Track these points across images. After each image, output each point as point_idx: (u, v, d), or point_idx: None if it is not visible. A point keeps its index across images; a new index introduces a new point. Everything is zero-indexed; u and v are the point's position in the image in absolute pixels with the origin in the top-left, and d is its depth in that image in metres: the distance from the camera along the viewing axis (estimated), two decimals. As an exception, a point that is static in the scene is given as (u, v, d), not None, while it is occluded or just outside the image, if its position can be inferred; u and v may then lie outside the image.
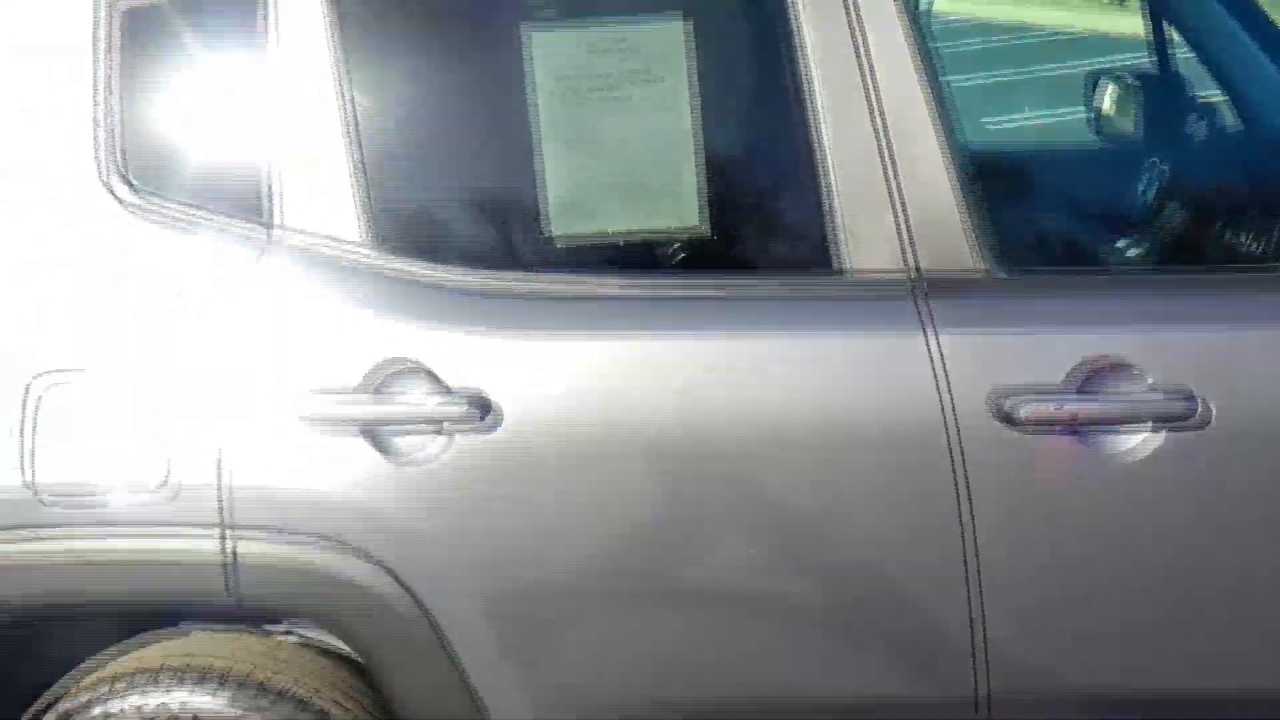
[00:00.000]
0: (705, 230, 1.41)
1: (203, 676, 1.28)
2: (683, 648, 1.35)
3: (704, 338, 1.35)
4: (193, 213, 1.32)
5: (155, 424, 1.27)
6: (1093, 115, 2.22)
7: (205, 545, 1.26)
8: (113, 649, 1.37)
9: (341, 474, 1.27)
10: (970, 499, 1.30)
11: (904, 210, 1.34)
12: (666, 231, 1.43)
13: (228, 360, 1.28)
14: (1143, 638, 1.39)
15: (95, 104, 1.30)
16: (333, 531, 1.26)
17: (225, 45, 1.39)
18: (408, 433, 1.28)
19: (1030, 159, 2.40)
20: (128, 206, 1.31)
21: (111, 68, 1.31)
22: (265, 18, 1.33)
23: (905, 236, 1.35)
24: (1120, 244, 1.97)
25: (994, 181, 1.61)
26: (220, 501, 1.26)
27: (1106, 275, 1.79)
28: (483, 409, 1.26)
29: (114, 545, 1.27)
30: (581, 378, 1.33)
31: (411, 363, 1.29)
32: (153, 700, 1.27)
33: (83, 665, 1.37)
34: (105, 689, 1.29)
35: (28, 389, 1.25)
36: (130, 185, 1.31)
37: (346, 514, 1.27)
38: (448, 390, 1.28)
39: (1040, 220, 1.92)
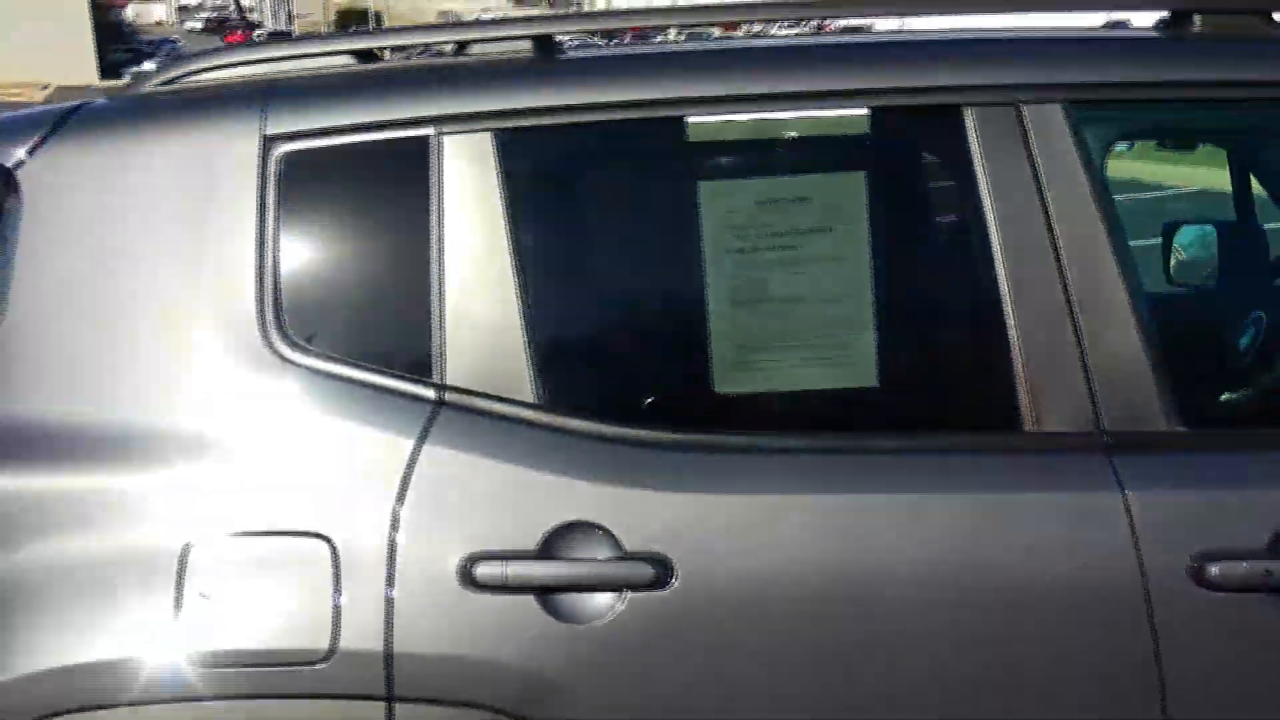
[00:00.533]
0: (880, 387, 1.37)
1: None
2: None
3: (884, 495, 1.31)
4: (357, 371, 1.34)
5: (322, 591, 1.27)
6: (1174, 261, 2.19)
7: (371, 715, 1.27)
8: None
9: (512, 639, 1.27)
10: (1165, 663, 1.25)
11: (1091, 368, 1.30)
12: (841, 387, 1.39)
13: (398, 523, 1.29)
14: None
15: (258, 258, 1.33)
16: (497, 698, 1.27)
17: (390, 198, 1.42)
18: (583, 594, 1.28)
19: (1203, 314, 2.24)
20: (290, 364, 1.33)
21: (272, 220, 1.34)
22: (433, 173, 1.34)
23: (1092, 394, 1.30)
24: None
25: (1178, 337, 1.56)
26: (387, 671, 1.26)
27: None
28: (663, 569, 1.25)
29: (276, 715, 1.28)
30: (761, 535, 1.30)
31: (588, 523, 1.28)
32: None
33: None
34: None
35: (187, 551, 1.27)
36: (294, 343, 1.33)
37: (517, 681, 1.27)
38: (625, 550, 1.27)
39: (1226, 375, 1.80)
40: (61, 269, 1.39)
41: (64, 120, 1.44)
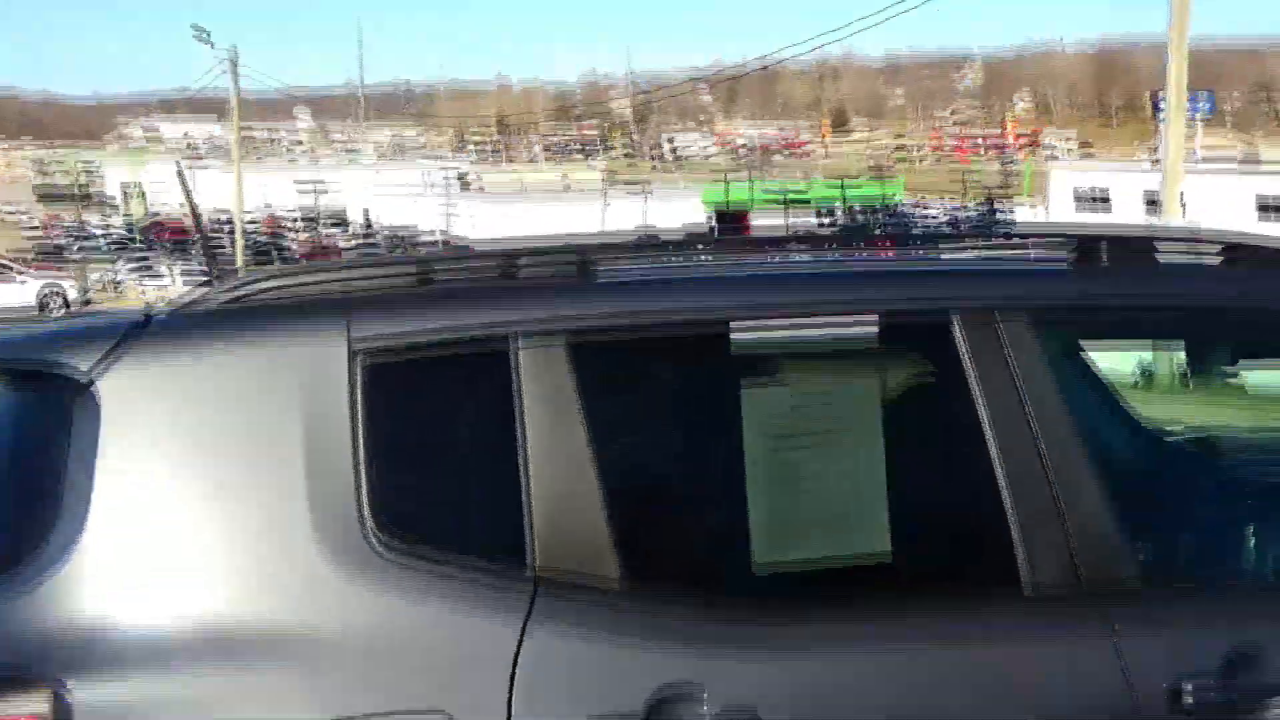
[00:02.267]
0: (891, 556, 1.58)
1: None
2: None
3: (901, 654, 1.52)
4: (454, 560, 1.45)
5: None
6: None
7: None
8: None
9: None
10: None
11: (1070, 527, 1.57)
12: (859, 559, 1.60)
13: (512, 699, 1.38)
14: None
15: (355, 461, 1.43)
16: None
17: (472, 396, 1.57)
18: None
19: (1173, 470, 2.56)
20: (389, 559, 1.42)
21: (364, 424, 1.45)
22: (511, 374, 1.50)
23: (1071, 550, 1.57)
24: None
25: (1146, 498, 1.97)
26: None
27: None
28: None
29: None
30: (821, 692, 1.48)
31: (681, 684, 1.41)
32: None
33: None
34: None
35: None
36: (390, 537, 1.42)
37: None
38: (717, 710, 1.40)
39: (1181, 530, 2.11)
40: (144, 476, 1.42)
41: (136, 332, 1.49)
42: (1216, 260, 1.89)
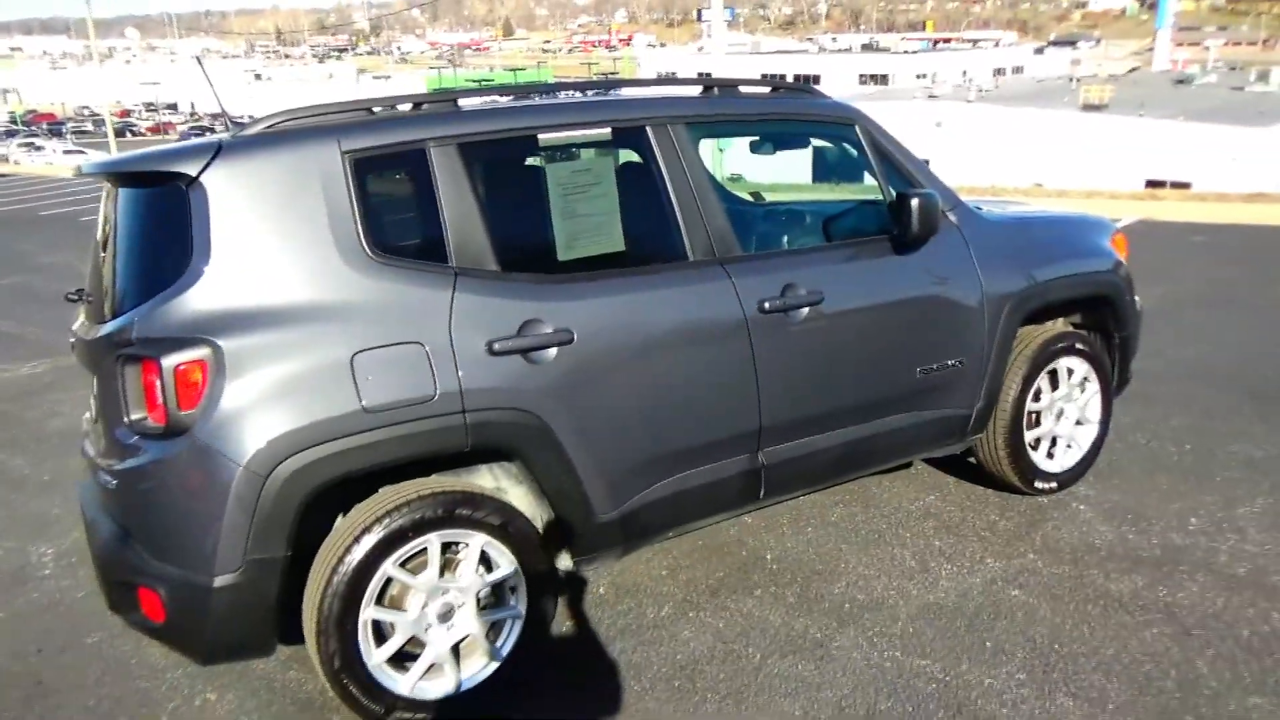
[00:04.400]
0: (624, 248, 3.11)
1: (452, 493, 2.79)
2: None
3: (634, 293, 3.08)
4: (410, 260, 2.77)
5: (423, 368, 2.66)
6: None
7: (455, 421, 2.73)
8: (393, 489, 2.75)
9: (513, 376, 2.81)
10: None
11: (709, 227, 3.21)
12: (609, 250, 3.10)
13: (452, 331, 2.73)
14: None
15: (352, 210, 2.72)
16: (511, 404, 2.80)
17: (411, 178, 2.90)
18: (539, 351, 2.84)
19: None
20: (380, 263, 2.71)
21: (356, 191, 2.71)
22: (429, 165, 2.86)
23: (710, 239, 3.22)
24: None
25: (741, 216, 4.00)
26: (461, 399, 2.70)
27: None
28: (570, 334, 2.88)
29: (410, 429, 2.67)
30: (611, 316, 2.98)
31: (536, 319, 2.85)
32: (428, 503, 2.73)
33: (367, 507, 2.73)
34: (414, 498, 2.72)
35: (353, 361, 2.61)
36: (379, 251, 2.71)
37: (518, 393, 2.81)
38: (553, 329, 2.86)
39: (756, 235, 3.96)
40: (238, 229, 2.59)
41: (219, 147, 2.61)
42: (767, 90, 3.55)
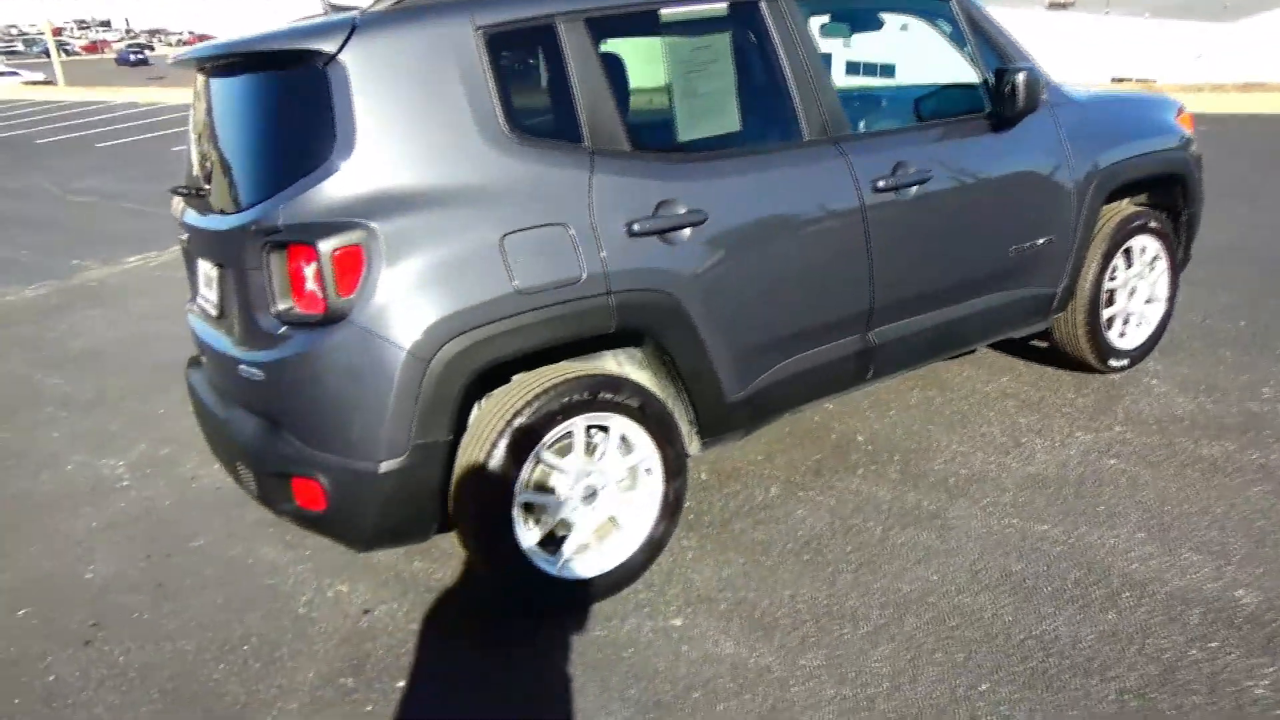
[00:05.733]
0: (740, 128, 3.09)
1: (596, 376, 2.78)
2: None
3: (758, 171, 3.03)
4: (548, 140, 2.69)
5: (568, 250, 2.61)
6: None
7: (601, 303, 2.69)
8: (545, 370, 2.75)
9: (653, 257, 2.78)
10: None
11: (825, 108, 3.15)
12: (725, 129, 3.08)
13: (593, 212, 2.69)
14: None
15: (488, 89, 2.60)
16: (651, 285, 2.78)
17: (541, 53, 2.80)
18: (675, 231, 2.82)
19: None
20: (519, 145, 2.62)
21: (490, 68, 2.62)
22: (558, 39, 2.81)
23: (824, 121, 3.18)
24: None
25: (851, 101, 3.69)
26: (605, 280, 2.67)
27: None
28: (703, 215, 2.85)
29: (560, 311, 2.62)
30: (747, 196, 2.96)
31: (671, 199, 2.81)
32: (574, 386, 2.71)
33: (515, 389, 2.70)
34: (561, 381, 2.70)
35: (502, 242, 2.58)
36: (518, 132, 2.63)
37: (656, 274, 2.79)
38: (688, 208, 2.83)
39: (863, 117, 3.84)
40: (384, 113, 2.50)
41: (356, 24, 2.50)
42: None
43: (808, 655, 2.63)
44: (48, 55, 52.29)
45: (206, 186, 2.88)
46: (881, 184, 3.20)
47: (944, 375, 4.45)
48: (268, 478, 2.67)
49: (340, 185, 2.47)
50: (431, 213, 2.52)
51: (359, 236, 2.45)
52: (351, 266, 2.44)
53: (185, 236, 3.03)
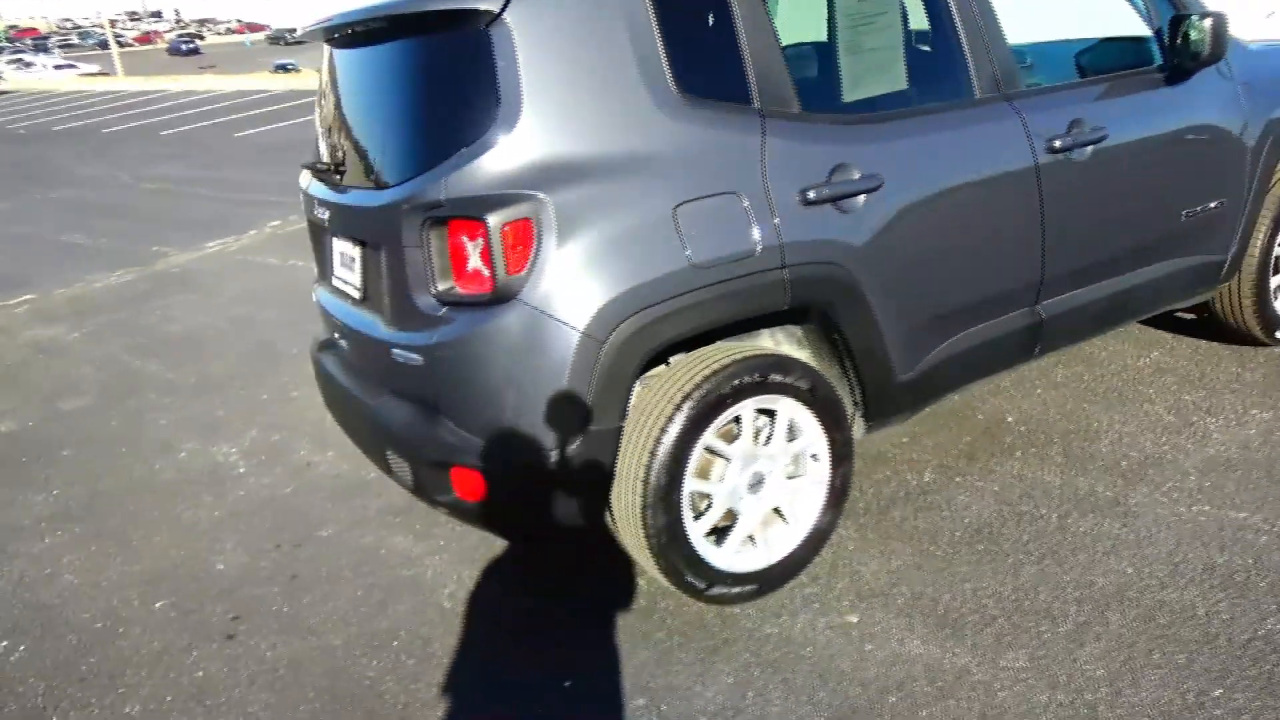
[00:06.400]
0: (906, 85, 2.85)
1: (765, 357, 2.57)
2: None
3: (936, 130, 2.76)
4: (718, 103, 2.47)
5: (742, 220, 2.41)
6: None
7: (776, 277, 2.50)
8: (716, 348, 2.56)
9: (828, 226, 2.57)
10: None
11: (995, 67, 2.92)
12: (893, 88, 2.84)
13: (770, 179, 2.47)
14: None
15: (657, 52, 2.40)
16: (826, 257, 2.57)
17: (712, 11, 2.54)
18: (849, 199, 2.60)
19: None
20: (688, 106, 2.42)
21: (658, 23, 2.41)
22: None
23: (996, 79, 2.93)
24: None
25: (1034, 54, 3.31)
26: (781, 252, 2.47)
27: None
28: (878, 180, 2.63)
29: (735, 287, 2.42)
30: (902, 154, 2.73)
31: (844, 164, 2.58)
32: (743, 368, 2.51)
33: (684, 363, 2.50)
34: (730, 363, 2.49)
35: (675, 213, 2.36)
36: (687, 92, 2.42)
37: (831, 245, 2.58)
38: (862, 173, 2.61)
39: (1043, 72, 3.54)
40: (551, 75, 2.31)
41: None
42: None
43: (1008, 656, 2.42)
44: (103, 47, 54.70)
45: (343, 164, 2.72)
46: (1058, 143, 2.95)
47: (1088, 350, 4.18)
48: (425, 467, 2.52)
49: (505, 155, 2.29)
50: (601, 181, 2.33)
51: (529, 209, 2.27)
52: (521, 241, 2.27)
53: (321, 214, 2.88)
